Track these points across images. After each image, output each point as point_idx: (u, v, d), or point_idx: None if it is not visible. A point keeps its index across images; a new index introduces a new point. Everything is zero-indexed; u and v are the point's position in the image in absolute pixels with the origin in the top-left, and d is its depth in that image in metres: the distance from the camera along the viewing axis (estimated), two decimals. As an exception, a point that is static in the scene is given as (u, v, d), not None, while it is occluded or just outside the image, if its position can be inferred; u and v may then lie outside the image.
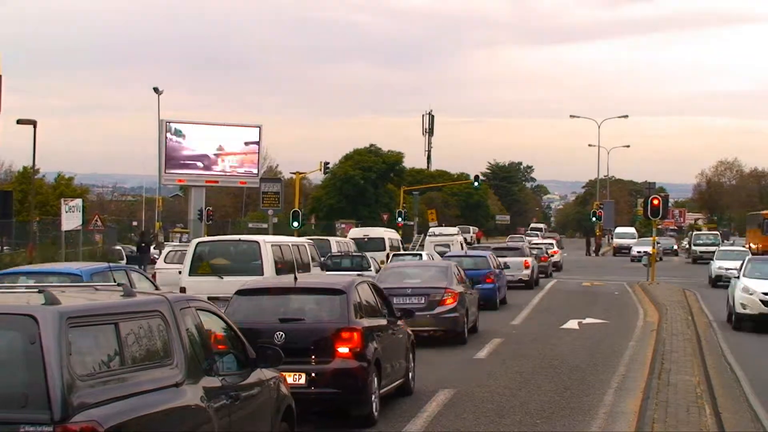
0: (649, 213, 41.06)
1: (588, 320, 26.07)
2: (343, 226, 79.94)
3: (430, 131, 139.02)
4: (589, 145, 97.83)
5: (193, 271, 20.89)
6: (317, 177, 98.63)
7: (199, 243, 22.23)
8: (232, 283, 15.61)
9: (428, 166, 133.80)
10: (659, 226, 51.24)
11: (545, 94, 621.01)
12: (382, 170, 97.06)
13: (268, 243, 21.43)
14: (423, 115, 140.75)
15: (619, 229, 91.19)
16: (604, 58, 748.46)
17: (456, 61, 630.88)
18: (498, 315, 27.77)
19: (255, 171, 73.64)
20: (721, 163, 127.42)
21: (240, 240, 22.98)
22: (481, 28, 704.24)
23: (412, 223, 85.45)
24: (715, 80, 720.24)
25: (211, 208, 65.64)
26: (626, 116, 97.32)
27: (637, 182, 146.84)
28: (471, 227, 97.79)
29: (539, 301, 33.50)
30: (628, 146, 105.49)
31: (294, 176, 73.36)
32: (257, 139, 74.09)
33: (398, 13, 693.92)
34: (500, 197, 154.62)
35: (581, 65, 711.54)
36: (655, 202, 40.62)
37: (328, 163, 75.80)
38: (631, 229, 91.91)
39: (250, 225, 75.20)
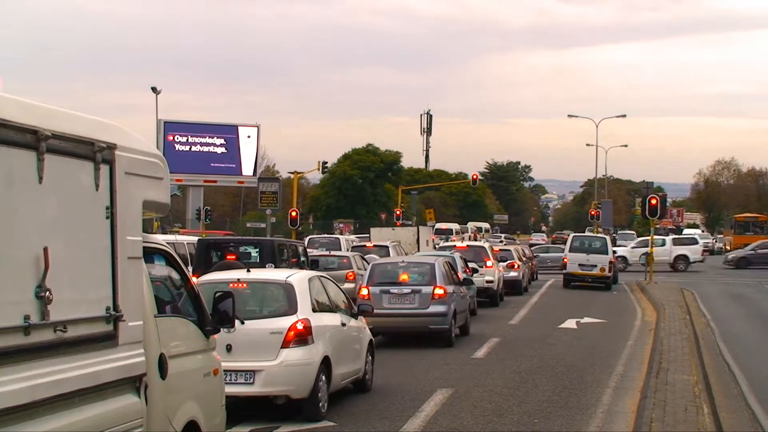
0: (647, 212, 41.07)
1: (586, 320, 26.07)
2: (341, 225, 79.94)
3: (428, 131, 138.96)
4: (587, 145, 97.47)
5: None
6: (315, 176, 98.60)
7: None
8: None
9: (426, 166, 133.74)
10: (657, 226, 51.13)
11: (544, 94, 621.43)
12: (380, 170, 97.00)
13: None
14: (421, 115, 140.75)
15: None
16: (604, 60, 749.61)
17: (455, 64, 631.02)
18: (496, 314, 27.78)
19: (253, 171, 73.61)
20: (718, 163, 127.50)
21: None
22: (485, 33, 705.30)
23: (410, 222, 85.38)
24: (713, 81, 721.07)
25: (209, 208, 65.58)
26: (624, 116, 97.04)
27: (635, 182, 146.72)
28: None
29: (537, 301, 33.51)
30: (626, 146, 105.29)
31: (292, 176, 73.31)
32: (255, 139, 74.08)
33: (400, 17, 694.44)
34: (498, 197, 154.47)
35: (581, 67, 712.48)
36: (653, 201, 40.60)
37: (326, 163, 75.65)
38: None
39: (248, 225, 75.17)
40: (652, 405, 12.96)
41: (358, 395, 14.49)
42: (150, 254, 7.97)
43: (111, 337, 6.82)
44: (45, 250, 5.96)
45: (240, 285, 12.99)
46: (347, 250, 34.83)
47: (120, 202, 6.91)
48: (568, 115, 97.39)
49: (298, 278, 13.47)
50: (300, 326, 12.53)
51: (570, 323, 25.15)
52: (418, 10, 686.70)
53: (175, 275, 8.60)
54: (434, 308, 20.34)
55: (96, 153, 6.60)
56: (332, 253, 31.80)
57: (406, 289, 20.62)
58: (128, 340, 7.04)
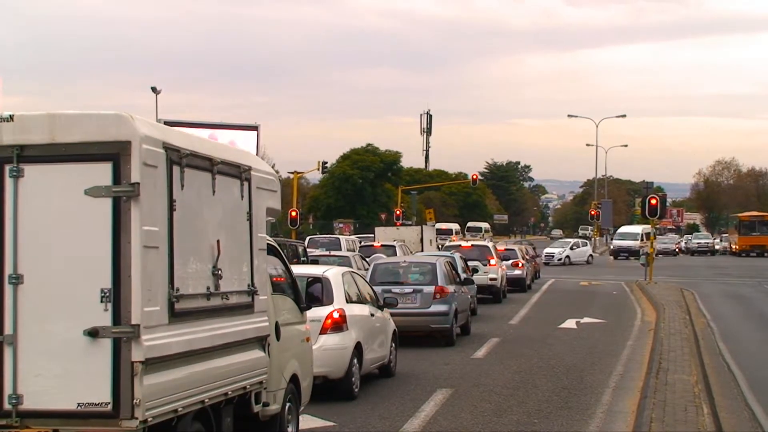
0: (647, 212, 41.08)
1: (586, 320, 26.07)
2: (341, 225, 79.95)
3: (428, 131, 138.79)
4: (587, 145, 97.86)
5: None
6: (315, 176, 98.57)
7: None
8: None
9: (426, 166, 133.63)
10: (657, 226, 51.16)
11: (545, 95, 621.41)
12: (380, 170, 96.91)
13: None
14: (421, 115, 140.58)
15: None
16: (605, 61, 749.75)
17: (458, 65, 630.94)
18: (497, 313, 27.78)
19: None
20: (718, 163, 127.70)
21: None
22: (488, 35, 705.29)
23: (410, 222, 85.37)
24: (713, 81, 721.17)
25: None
26: (624, 116, 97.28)
27: (635, 182, 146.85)
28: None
29: (538, 299, 33.53)
30: (626, 146, 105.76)
31: (292, 176, 73.28)
32: (255, 139, 74.01)
33: (404, 18, 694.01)
34: (498, 197, 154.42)
35: (582, 68, 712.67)
36: (653, 201, 40.58)
37: (326, 163, 75.70)
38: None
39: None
40: (652, 405, 12.94)
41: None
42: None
43: (250, 306, 9.16)
44: (218, 241, 8.38)
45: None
46: (347, 250, 34.85)
47: (254, 208, 9.31)
48: (569, 115, 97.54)
49: (334, 273, 14.92)
50: (336, 315, 13.98)
51: (570, 323, 25.16)
52: (422, 11, 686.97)
53: (279, 264, 10.80)
54: (436, 308, 20.51)
55: (242, 173, 8.98)
56: (332, 253, 31.86)
57: (408, 289, 20.80)
58: (259, 308, 9.39)
